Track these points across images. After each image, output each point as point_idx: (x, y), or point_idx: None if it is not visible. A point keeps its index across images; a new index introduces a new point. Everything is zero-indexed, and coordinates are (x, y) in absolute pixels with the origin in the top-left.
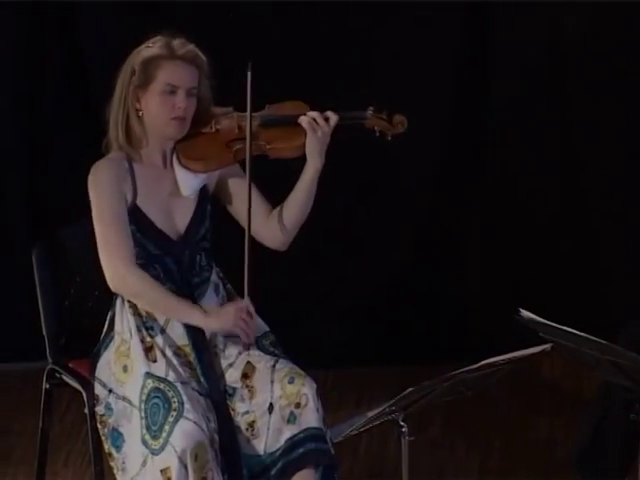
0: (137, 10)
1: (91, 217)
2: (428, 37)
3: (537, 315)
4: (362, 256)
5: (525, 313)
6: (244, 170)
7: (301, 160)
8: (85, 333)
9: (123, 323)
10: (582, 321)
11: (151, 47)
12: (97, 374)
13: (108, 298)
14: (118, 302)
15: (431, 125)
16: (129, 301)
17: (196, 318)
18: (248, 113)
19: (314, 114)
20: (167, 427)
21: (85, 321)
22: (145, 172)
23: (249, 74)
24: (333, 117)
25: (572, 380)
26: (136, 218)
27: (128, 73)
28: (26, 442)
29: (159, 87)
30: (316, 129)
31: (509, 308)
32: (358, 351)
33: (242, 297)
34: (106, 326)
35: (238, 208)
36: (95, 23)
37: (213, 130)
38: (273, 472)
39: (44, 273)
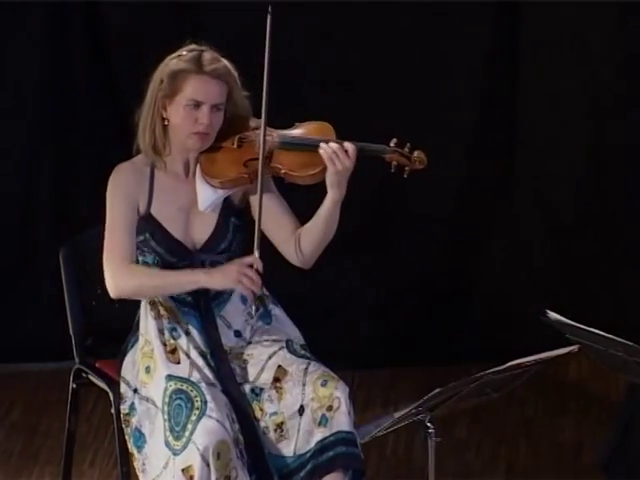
0: (163, 10)
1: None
2: (456, 37)
3: (564, 316)
4: (389, 256)
5: (552, 314)
6: (273, 180)
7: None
8: (112, 333)
9: (147, 324)
10: (609, 322)
11: (181, 59)
12: (122, 373)
13: (135, 300)
14: (143, 304)
15: (458, 125)
16: (151, 304)
17: (200, 279)
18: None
19: (334, 147)
20: (190, 426)
21: (112, 321)
22: (166, 181)
23: (269, 17)
24: (351, 149)
25: (599, 382)
26: (150, 226)
27: (157, 81)
28: (53, 442)
29: (183, 100)
30: (336, 162)
31: (536, 309)
32: (385, 351)
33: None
34: (133, 326)
35: (267, 225)
36: (121, 24)
37: (234, 146)
38: (302, 474)
39: (71, 274)
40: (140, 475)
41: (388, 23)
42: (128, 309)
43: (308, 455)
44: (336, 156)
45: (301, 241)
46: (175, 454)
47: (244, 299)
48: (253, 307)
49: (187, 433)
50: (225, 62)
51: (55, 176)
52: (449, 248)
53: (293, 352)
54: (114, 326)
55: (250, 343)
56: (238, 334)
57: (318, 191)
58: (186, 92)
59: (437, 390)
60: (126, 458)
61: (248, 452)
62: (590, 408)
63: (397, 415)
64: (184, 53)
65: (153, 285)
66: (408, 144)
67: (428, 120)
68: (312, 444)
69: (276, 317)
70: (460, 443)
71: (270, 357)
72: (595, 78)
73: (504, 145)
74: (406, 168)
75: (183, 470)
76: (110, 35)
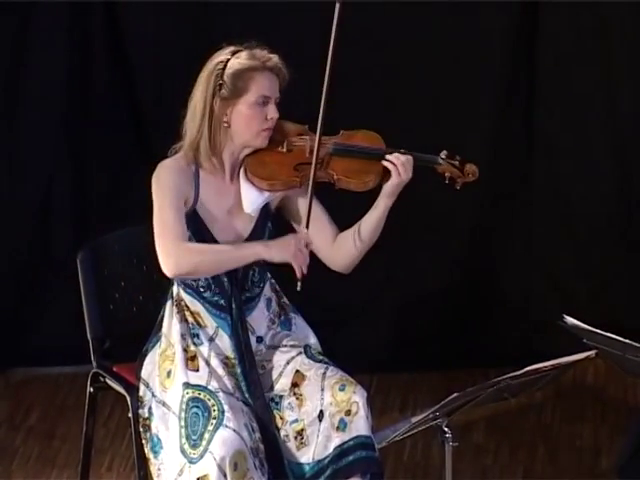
0: (184, 12)
1: (136, 223)
2: (474, 37)
3: (582, 321)
4: (407, 261)
5: (569, 319)
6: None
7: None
8: (129, 337)
9: (171, 326)
10: (630, 327)
11: (239, 59)
12: (142, 374)
13: (153, 303)
14: (168, 305)
15: (477, 126)
16: (177, 306)
17: (260, 251)
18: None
19: (402, 159)
20: (207, 435)
21: (129, 325)
22: (210, 182)
23: (337, 5)
24: (411, 162)
25: (617, 387)
26: (193, 223)
27: (212, 85)
28: (70, 446)
29: (252, 99)
30: (401, 174)
31: (555, 314)
32: (402, 356)
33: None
34: (156, 326)
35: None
36: (140, 25)
37: (284, 150)
38: (321, 479)
39: (89, 278)
40: None
41: (403, 23)
42: (146, 313)
43: (327, 460)
44: (403, 168)
45: (347, 244)
46: (191, 462)
47: (268, 305)
48: (299, 283)
49: (204, 442)
50: (277, 56)
51: (73, 180)
52: (468, 253)
53: (311, 357)
54: (132, 330)
55: (269, 348)
56: (260, 340)
57: (349, 198)
58: (254, 90)
59: (454, 395)
60: (143, 462)
61: (269, 461)
62: (608, 413)
63: (414, 420)
64: (233, 54)
65: (214, 260)
66: (458, 156)
67: (442, 127)
68: (330, 449)
69: (296, 325)
70: (477, 448)
71: (288, 362)
72: (615, 78)
73: (523, 149)
74: (458, 180)
75: (199, 479)
76: (129, 38)
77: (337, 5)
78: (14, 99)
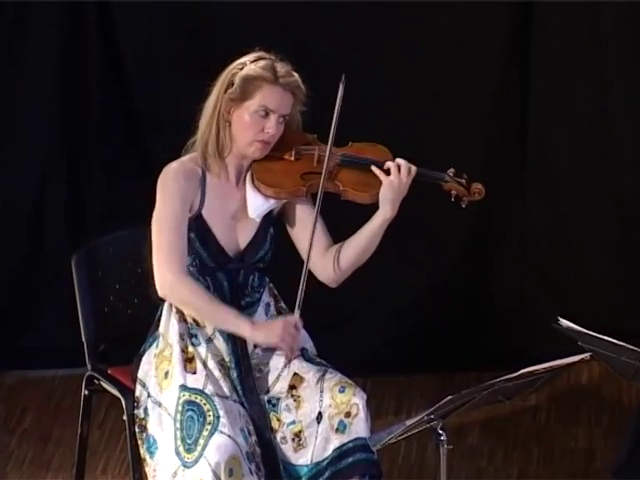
0: (177, 11)
1: (130, 225)
2: (470, 36)
3: (578, 324)
4: (403, 263)
5: (564, 322)
6: (314, 198)
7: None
8: (124, 340)
9: (169, 326)
10: (625, 329)
11: (256, 65)
12: (139, 375)
13: (148, 306)
14: (166, 304)
15: (471, 128)
16: (176, 306)
17: (243, 329)
18: (331, 137)
19: (399, 160)
20: (202, 441)
21: (124, 328)
22: (216, 185)
23: (341, 86)
24: (413, 170)
25: (611, 389)
26: (198, 227)
27: (226, 83)
28: (65, 449)
29: (253, 107)
30: (393, 174)
31: (549, 316)
32: (397, 358)
33: (293, 311)
34: (153, 325)
35: (299, 234)
36: (134, 26)
37: (292, 159)
38: None
39: (83, 280)
40: None
41: (399, 24)
42: (140, 316)
43: (325, 462)
44: (398, 172)
45: (340, 256)
46: (185, 466)
47: (267, 310)
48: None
49: (199, 448)
50: (297, 76)
51: (67, 182)
52: (464, 256)
53: (309, 360)
54: (126, 333)
55: (265, 350)
56: (256, 344)
57: (352, 212)
58: (257, 99)
59: (449, 397)
60: (138, 465)
61: (265, 464)
62: (602, 415)
63: (409, 422)
64: (256, 59)
65: (203, 309)
66: (465, 175)
67: (436, 128)
68: (329, 451)
69: None
70: (472, 450)
71: (285, 366)
72: (610, 78)
73: (517, 151)
74: (464, 198)
75: None
76: (123, 37)
77: (341, 86)
78: (7, 99)
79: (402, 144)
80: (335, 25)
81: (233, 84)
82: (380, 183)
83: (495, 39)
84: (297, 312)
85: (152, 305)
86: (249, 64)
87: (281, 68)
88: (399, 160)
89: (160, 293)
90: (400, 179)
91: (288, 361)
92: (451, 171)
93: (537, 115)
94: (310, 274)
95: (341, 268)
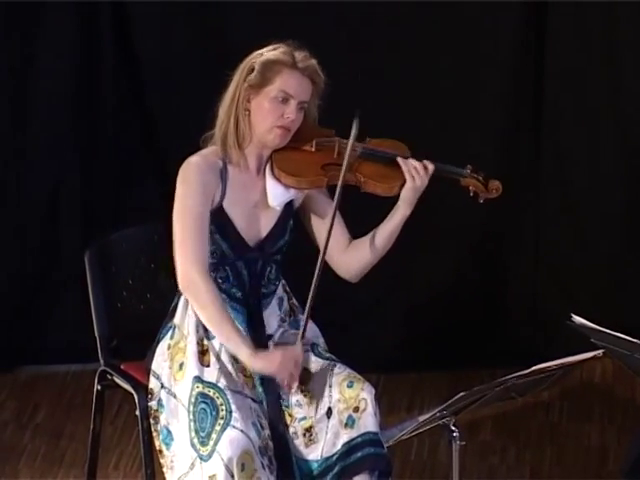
0: (192, 10)
1: (143, 221)
2: (485, 35)
3: (590, 321)
4: (414, 261)
5: (577, 319)
6: (332, 193)
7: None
8: (137, 335)
9: (185, 317)
10: (635, 328)
11: (276, 50)
12: (153, 367)
13: (160, 301)
14: (183, 296)
15: (484, 129)
16: None
17: (243, 354)
18: (346, 155)
19: (416, 163)
20: (214, 435)
21: (137, 324)
22: (237, 176)
23: (355, 122)
24: (430, 167)
25: (624, 386)
26: (219, 219)
27: (245, 71)
28: (77, 444)
29: (273, 92)
30: (415, 178)
31: (562, 313)
32: (410, 355)
33: (298, 335)
34: (167, 315)
35: (316, 230)
36: (149, 26)
37: (313, 149)
38: (329, 477)
39: (96, 276)
40: (168, 472)
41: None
42: (153, 311)
43: (335, 457)
44: (416, 172)
45: (359, 252)
46: (202, 459)
47: (280, 304)
48: (287, 395)
49: (211, 443)
50: (315, 61)
51: (82, 181)
52: (475, 254)
53: (318, 355)
54: (139, 328)
55: (277, 344)
56: (269, 337)
57: (369, 206)
58: (277, 84)
59: (461, 394)
60: (151, 460)
61: (277, 458)
62: (615, 413)
63: (421, 419)
64: (275, 48)
65: (213, 319)
66: (482, 172)
67: (449, 130)
68: (339, 446)
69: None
70: (485, 447)
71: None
72: (624, 81)
73: (530, 152)
74: (482, 195)
75: (209, 477)
76: (138, 37)
77: (354, 123)
78: (22, 99)
79: (418, 141)
80: (350, 24)
81: (253, 71)
82: (400, 176)
83: (509, 38)
84: (299, 343)
85: (165, 300)
86: (268, 51)
87: (299, 54)
88: (414, 162)
89: (181, 286)
90: (422, 180)
91: (288, 389)
92: (469, 167)
93: (551, 118)
94: (323, 273)
95: (361, 264)
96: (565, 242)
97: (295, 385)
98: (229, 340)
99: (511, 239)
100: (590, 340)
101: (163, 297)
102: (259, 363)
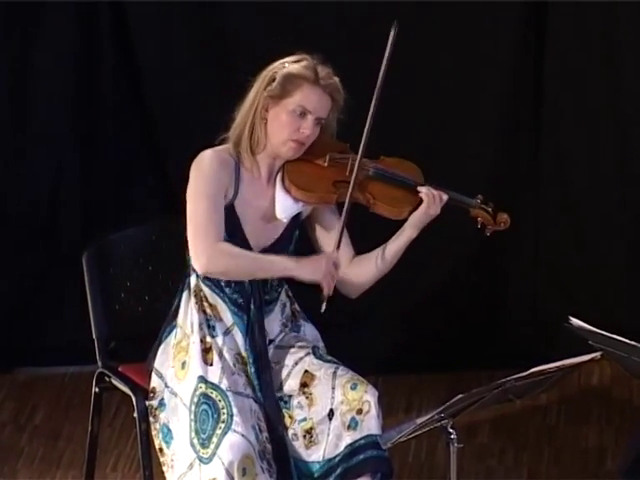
0: (191, 11)
1: (140, 223)
2: (483, 36)
3: (589, 323)
4: (413, 262)
5: (575, 321)
6: (340, 208)
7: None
8: (135, 337)
9: (187, 317)
10: (634, 330)
11: (299, 64)
12: (156, 365)
13: (159, 303)
14: (184, 294)
15: (483, 130)
16: (196, 295)
17: (290, 267)
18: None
19: (436, 194)
20: (215, 439)
21: (135, 325)
22: (249, 180)
23: (393, 32)
24: (444, 198)
25: (622, 388)
26: (228, 217)
27: (266, 80)
28: (75, 446)
29: (291, 106)
30: (431, 207)
31: (562, 314)
32: (408, 357)
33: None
34: (169, 315)
35: (322, 242)
36: (149, 25)
37: (325, 164)
38: (331, 478)
39: (94, 277)
40: (168, 471)
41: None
42: (152, 313)
43: (337, 459)
44: (433, 202)
45: (361, 269)
46: (202, 461)
47: (283, 310)
48: (324, 304)
49: (212, 446)
50: (337, 79)
51: (81, 181)
52: (475, 254)
53: (320, 357)
54: (137, 330)
55: (277, 348)
56: (270, 342)
57: (375, 224)
58: (296, 98)
59: (459, 396)
60: (149, 462)
61: (276, 460)
62: (613, 415)
63: (419, 421)
64: (298, 60)
65: (245, 265)
66: (491, 203)
67: (448, 132)
68: (341, 448)
69: (305, 332)
70: (482, 449)
71: (296, 363)
72: (622, 81)
73: (530, 153)
74: (489, 227)
75: None
76: (137, 37)
77: (392, 32)
78: (22, 99)
79: (418, 141)
80: (350, 24)
81: (274, 81)
82: (410, 201)
83: (509, 38)
84: (335, 252)
85: (163, 302)
86: (291, 63)
87: (322, 70)
88: (433, 190)
89: (199, 270)
90: (436, 210)
91: (327, 297)
92: (479, 197)
93: (550, 120)
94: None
95: (360, 281)
96: (565, 242)
97: (331, 290)
98: (270, 270)
99: (511, 241)
100: (588, 342)
101: (161, 299)
102: (307, 270)
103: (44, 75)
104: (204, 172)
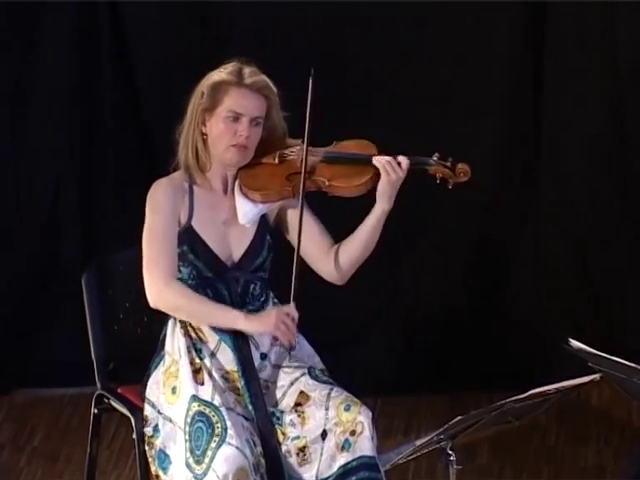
0: (189, 18)
1: (140, 241)
2: (483, 36)
3: (590, 344)
4: (410, 282)
5: (575, 343)
6: (315, 195)
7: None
8: (134, 359)
9: (174, 343)
10: (636, 349)
11: (222, 72)
12: (147, 394)
13: (157, 324)
14: (170, 322)
15: (485, 126)
16: (181, 321)
17: (238, 322)
18: (306, 131)
19: (387, 158)
20: (210, 452)
21: (134, 347)
22: (204, 196)
23: (311, 81)
24: (405, 162)
25: (621, 409)
26: (190, 239)
27: (198, 96)
28: (74, 467)
29: (223, 113)
30: (390, 173)
31: (561, 335)
32: (406, 378)
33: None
34: (158, 346)
35: (296, 239)
36: (145, 28)
37: (275, 162)
38: None
39: (93, 298)
40: None
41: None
42: (150, 334)
43: (330, 479)
44: (390, 166)
45: (343, 253)
46: (196, 478)
47: None
48: (289, 354)
49: (207, 460)
50: (264, 77)
51: (79, 196)
52: (473, 275)
53: (315, 378)
54: (136, 351)
55: (274, 367)
56: (264, 356)
57: (350, 209)
58: (226, 104)
59: (458, 418)
60: None
61: (270, 475)
62: (612, 436)
63: (418, 442)
64: (224, 67)
65: (194, 310)
66: (450, 158)
67: (447, 133)
68: (334, 468)
69: (299, 345)
70: (482, 470)
71: (292, 383)
72: (623, 83)
73: (530, 153)
74: (450, 180)
75: None
76: (136, 47)
77: (310, 81)
78: (22, 99)
79: (417, 141)
80: (350, 24)
81: (204, 95)
82: (364, 174)
83: (509, 38)
84: (292, 303)
85: (161, 324)
86: (216, 72)
87: (247, 70)
88: (386, 157)
89: (151, 303)
90: (397, 174)
91: (289, 350)
92: (436, 155)
93: (551, 114)
94: (315, 275)
95: (345, 265)
96: (566, 264)
97: (295, 341)
98: (220, 319)
99: (509, 261)
100: (587, 364)
101: (160, 320)
102: (256, 324)
103: (44, 75)
104: (156, 202)
